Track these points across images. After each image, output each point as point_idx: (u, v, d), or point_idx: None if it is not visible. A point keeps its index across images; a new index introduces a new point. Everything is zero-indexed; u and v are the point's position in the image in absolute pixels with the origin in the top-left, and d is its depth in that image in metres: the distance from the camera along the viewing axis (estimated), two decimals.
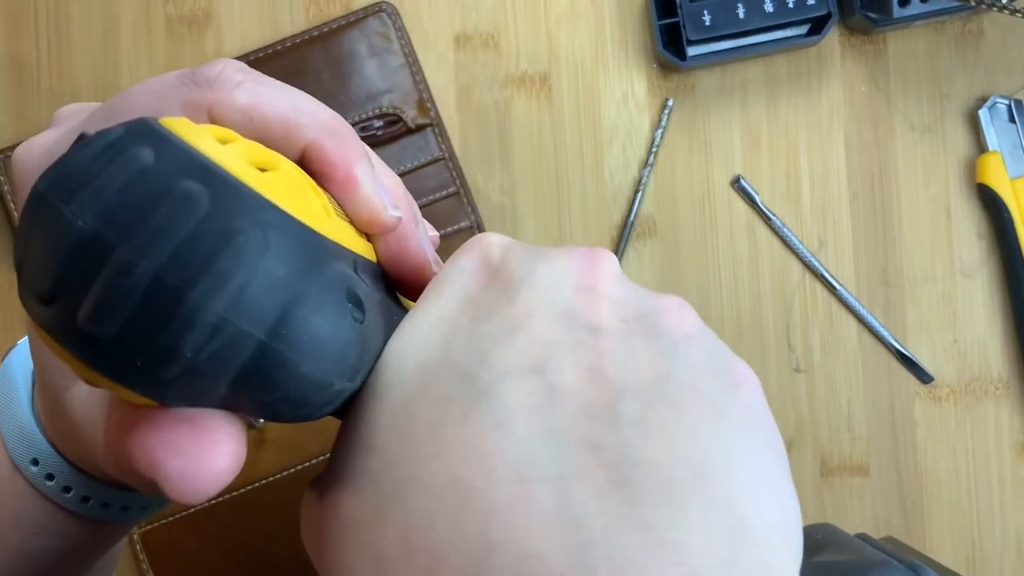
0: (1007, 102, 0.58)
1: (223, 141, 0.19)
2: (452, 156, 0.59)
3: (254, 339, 0.17)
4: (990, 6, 0.54)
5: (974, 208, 0.60)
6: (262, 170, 0.19)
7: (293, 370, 0.18)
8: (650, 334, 0.21)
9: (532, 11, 0.60)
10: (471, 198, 0.59)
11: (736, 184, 0.60)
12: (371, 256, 0.24)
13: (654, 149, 0.59)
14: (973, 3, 0.54)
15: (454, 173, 0.59)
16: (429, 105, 0.59)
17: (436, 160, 0.58)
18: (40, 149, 0.24)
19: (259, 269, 0.17)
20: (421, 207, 0.54)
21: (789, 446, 0.59)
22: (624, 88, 0.60)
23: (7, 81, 0.59)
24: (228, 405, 0.19)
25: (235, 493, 0.57)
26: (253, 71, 0.23)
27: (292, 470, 0.57)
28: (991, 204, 0.58)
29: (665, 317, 0.22)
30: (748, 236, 0.60)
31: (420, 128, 0.58)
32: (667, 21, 0.57)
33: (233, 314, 0.17)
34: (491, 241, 0.24)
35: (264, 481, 0.57)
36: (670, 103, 0.59)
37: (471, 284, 0.23)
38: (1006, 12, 0.54)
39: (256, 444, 0.57)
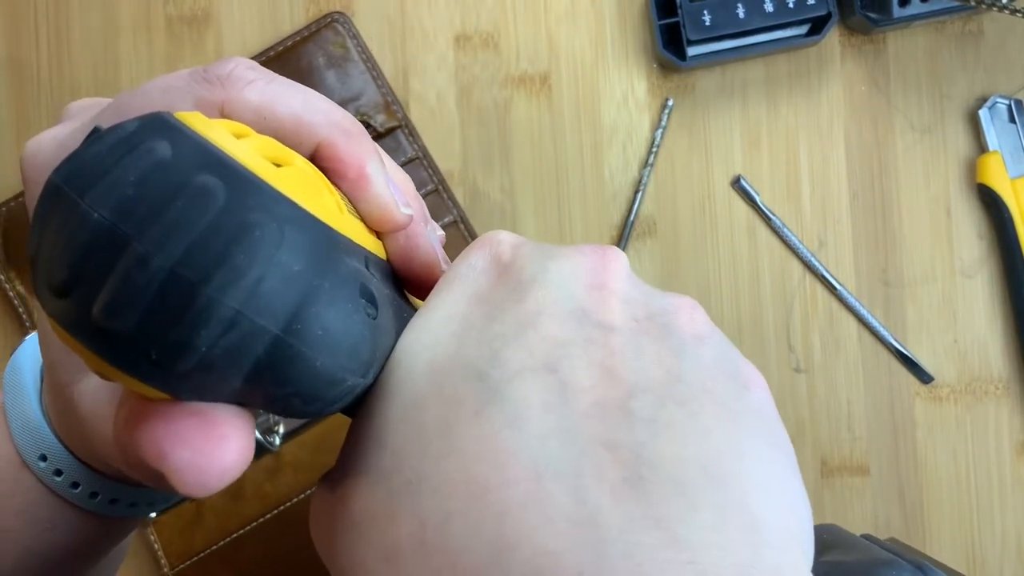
0: (1007, 102, 0.58)
1: (237, 136, 0.19)
2: (426, 154, 0.59)
3: (269, 333, 0.17)
4: (990, 6, 0.54)
5: (974, 208, 0.60)
6: (277, 165, 0.19)
7: (307, 365, 0.18)
8: (661, 333, 0.21)
9: (532, 11, 0.60)
10: (451, 193, 0.59)
11: (736, 184, 0.60)
12: (381, 254, 0.24)
13: (654, 149, 0.59)
14: (973, 3, 0.55)
15: (430, 171, 0.59)
16: (395, 107, 0.59)
17: (411, 160, 0.59)
18: (51, 143, 0.24)
19: (275, 263, 0.17)
20: None
21: None
22: (624, 88, 0.60)
23: (7, 81, 0.59)
24: (241, 399, 0.19)
25: (260, 521, 0.57)
26: (264, 69, 0.23)
27: (311, 491, 0.57)
28: (991, 204, 0.59)
29: (676, 317, 0.22)
30: (748, 236, 0.60)
31: (390, 131, 0.59)
32: (667, 21, 0.57)
33: (248, 308, 0.17)
34: (501, 239, 0.24)
35: (286, 505, 0.57)
36: (670, 103, 0.59)
37: (482, 282, 0.23)
38: (1006, 12, 0.54)
39: (273, 470, 0.57)
